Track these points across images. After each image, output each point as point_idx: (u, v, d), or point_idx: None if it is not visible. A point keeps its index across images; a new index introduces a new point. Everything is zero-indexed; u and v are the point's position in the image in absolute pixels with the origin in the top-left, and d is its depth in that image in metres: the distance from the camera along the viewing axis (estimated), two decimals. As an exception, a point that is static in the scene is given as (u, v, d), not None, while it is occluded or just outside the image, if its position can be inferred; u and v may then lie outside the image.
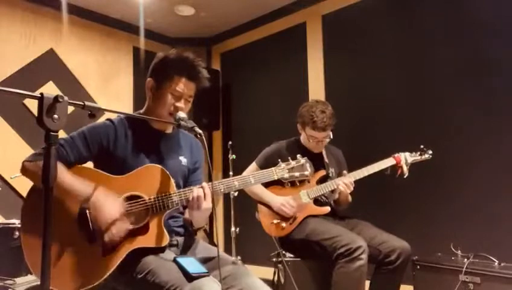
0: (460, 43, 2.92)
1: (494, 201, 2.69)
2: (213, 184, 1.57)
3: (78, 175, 1.54)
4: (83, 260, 1.47)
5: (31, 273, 2.56)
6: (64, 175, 1.49)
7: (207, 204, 1.55)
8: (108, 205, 1.49)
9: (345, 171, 2.48)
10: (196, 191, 1.54)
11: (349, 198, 2.50)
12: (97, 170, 1.61)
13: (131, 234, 1.51)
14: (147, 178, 1.58)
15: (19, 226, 2.63)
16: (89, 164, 1.67)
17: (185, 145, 1.82)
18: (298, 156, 1.75)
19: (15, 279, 2.49)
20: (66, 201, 1.51)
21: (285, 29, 4.11)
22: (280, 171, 1.71)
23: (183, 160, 1.76)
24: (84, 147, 1.59)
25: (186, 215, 1.75)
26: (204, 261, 1.57)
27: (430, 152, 2.54)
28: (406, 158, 2.49)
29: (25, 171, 1.53)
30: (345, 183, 2.34)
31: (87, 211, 1.50)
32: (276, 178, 1.71)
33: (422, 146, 2.55)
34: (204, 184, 1.57)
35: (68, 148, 1.56)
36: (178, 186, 1.65)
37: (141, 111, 1.76)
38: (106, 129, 1.64)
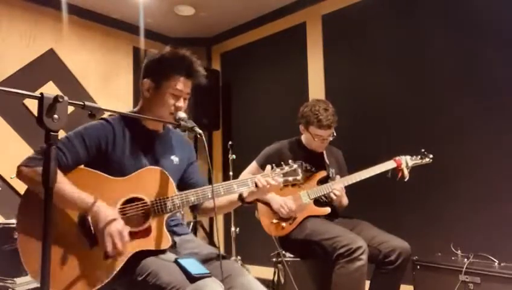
0: (461, 43, 2.92)
1: (494, 201, 2.68)
2: (213, 187, 1.58)
3: (78, 176, 1.51)
4: (85, 264, 1.44)
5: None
6: (64, 185, 1.44)
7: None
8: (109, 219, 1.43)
9: (337, 176, 2.48)
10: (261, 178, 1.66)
11: (345, 201, 2.51)
12: (96, 171, 1.56)
13: (133, 237, 1.48)
14: (148, 180, 1.58)
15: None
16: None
17: (176, 143, 1.81)
18: (290, 161, 1.78)
19: (15, 279, 2.49)
20: (65, 208, 1.48)
21: (285, 29, 4.11)
22: (275, 175, 1.72)
23: (175, 159, 1.76)
24: (82, 149, 1.55)
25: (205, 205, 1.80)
26: (203, 261, 1.55)
27: (431, 156, 2.55)
28: (407, 161, 2.50)
29: (22, 176, 1.48)
30: (336, 189, 2.37)
31: (88, 215, 1.48)
32: None
33: (423, 150, 2.55)
34: (259, 176, 1.67)
35: (66, 151, 1.51)
36: None
37: (135, 110, 1.73)
38: (104, 130, 1.61)
